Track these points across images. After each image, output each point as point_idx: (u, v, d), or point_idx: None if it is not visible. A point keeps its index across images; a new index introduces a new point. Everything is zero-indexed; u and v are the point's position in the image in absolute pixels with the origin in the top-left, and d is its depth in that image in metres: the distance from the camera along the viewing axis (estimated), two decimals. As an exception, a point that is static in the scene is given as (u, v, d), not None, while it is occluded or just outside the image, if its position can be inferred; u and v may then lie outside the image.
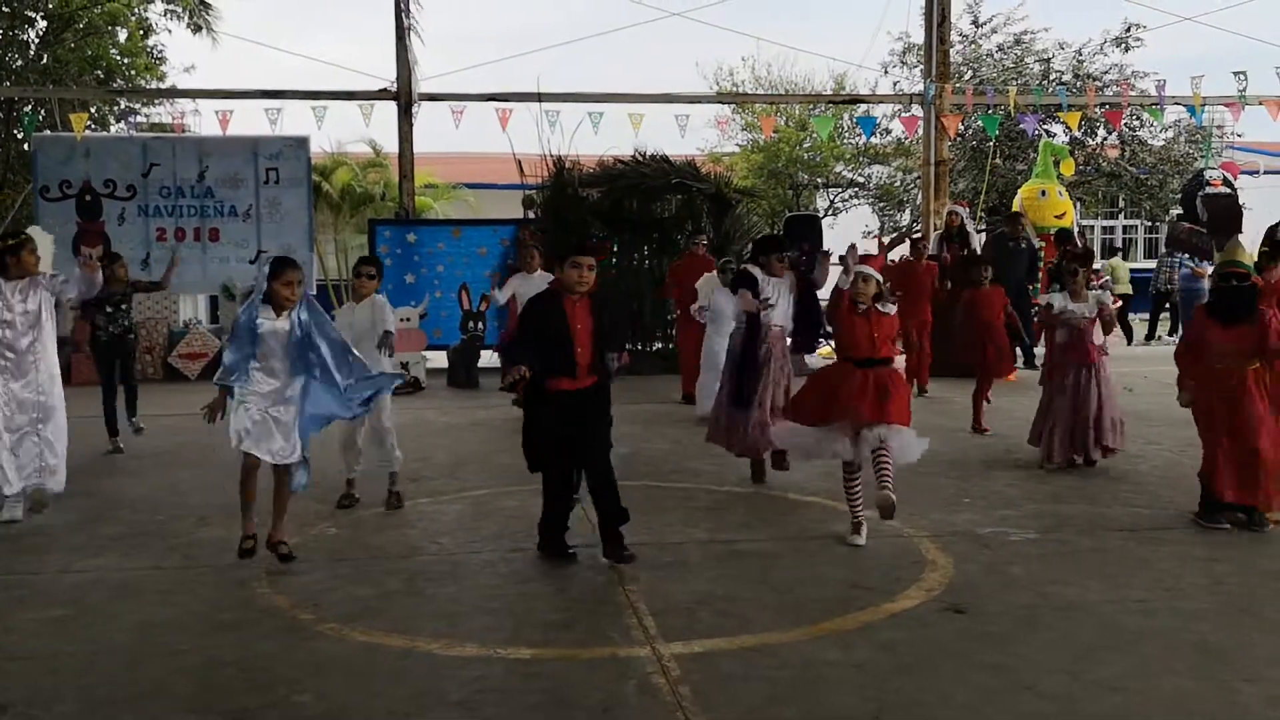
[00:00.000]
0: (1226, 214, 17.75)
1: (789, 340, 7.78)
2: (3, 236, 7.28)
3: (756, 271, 7.74)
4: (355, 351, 6.08)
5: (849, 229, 26.78)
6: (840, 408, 6.18)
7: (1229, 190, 17.97)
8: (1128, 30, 23.83)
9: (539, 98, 16.02)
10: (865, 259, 6.46)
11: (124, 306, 9.87)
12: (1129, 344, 18.64)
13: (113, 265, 9.85)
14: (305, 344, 5.80)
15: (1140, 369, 10.32)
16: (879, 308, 6.31)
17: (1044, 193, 17.57)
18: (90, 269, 7.42)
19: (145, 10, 22.61)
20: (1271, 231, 8.75)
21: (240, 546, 5.87)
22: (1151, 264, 24.00)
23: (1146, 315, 20.47)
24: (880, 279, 6.39)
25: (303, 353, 5.80)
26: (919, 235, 15.63)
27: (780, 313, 7.68)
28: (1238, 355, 6.51)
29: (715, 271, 11.09)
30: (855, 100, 22.43)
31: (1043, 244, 16.89)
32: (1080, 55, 24.17)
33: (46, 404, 7.05)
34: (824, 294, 7.44)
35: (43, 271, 7.23)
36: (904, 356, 11.60)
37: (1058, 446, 8.25)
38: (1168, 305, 19.72)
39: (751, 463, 7.97)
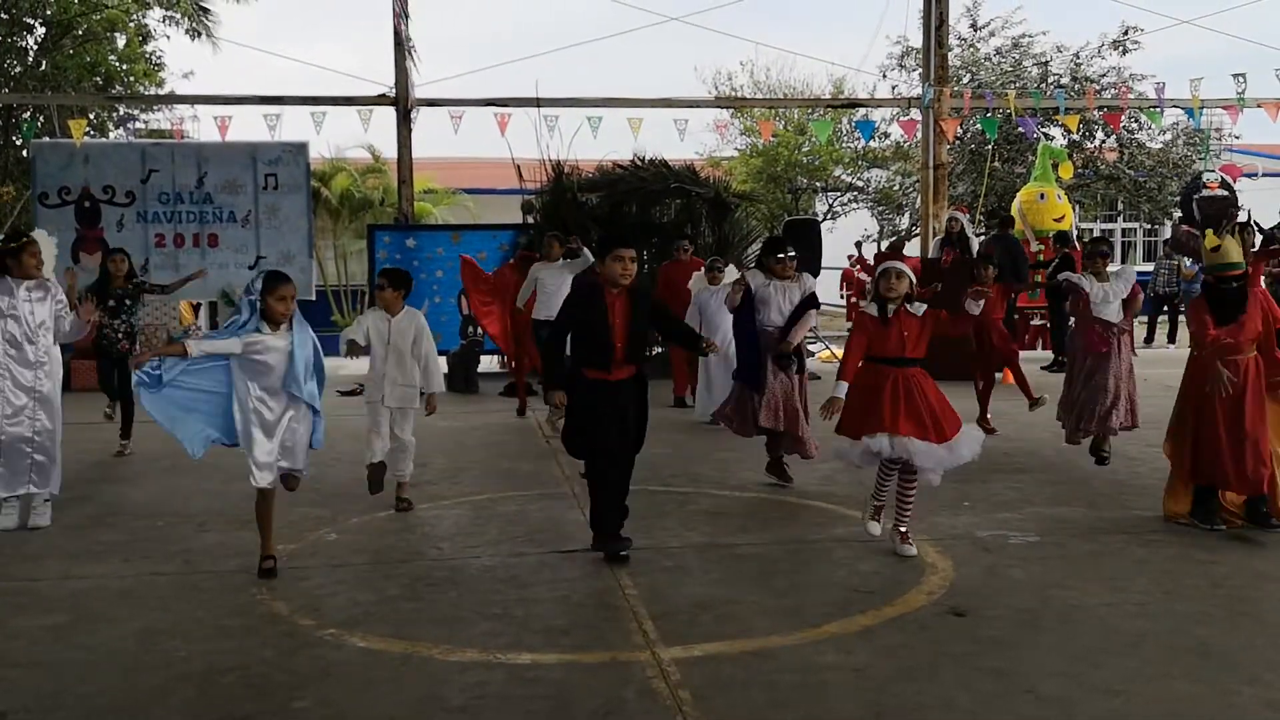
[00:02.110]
0: (1221, 216, 17.76)
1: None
2: (5, 239, 7.29)
3: (756, 277, 7.81)
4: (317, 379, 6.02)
5: (848, 233, 26.87)
6: (882, 420, 6.08)
7: (1225, 193, 17.99)
8: (1125, 33, 23.88)
9: (538, 103, 16.04)
10: (889, 257, 6.47)
11: (128, 302, 9.71)
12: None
13: (108, 260, 9.75)
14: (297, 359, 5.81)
15: (1140, 372, 10.28)
16: (908, 308, 6.24)
17: (1043, 196, 17.61)
18: (86, 315, 7.19)
19: (144, 17, 22.65)
20: (1270, 234, 8.77)
21: (261, 566, 5.84)
22: (1150, 267, 24.01)
23: (1145, 318, 20.48)
24: (913, 278, 6.33)
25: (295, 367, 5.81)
26: (901, 245, 15.67)
27: (777, 313, 7.73)
28: (1236, 348, 6.55)
29: (703, 271, 11.19)
30: (853, 104, 22.47)
31: (1041, 246, 16.92)
32: (1078, 58, 24.21)
33: (47, 403, 7.02)
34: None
35: (50, 279, 7.19)
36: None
37: (1095, 421, 8.35)
38: (1165, 308, 19.73)
39: (769, 460, 8.02)
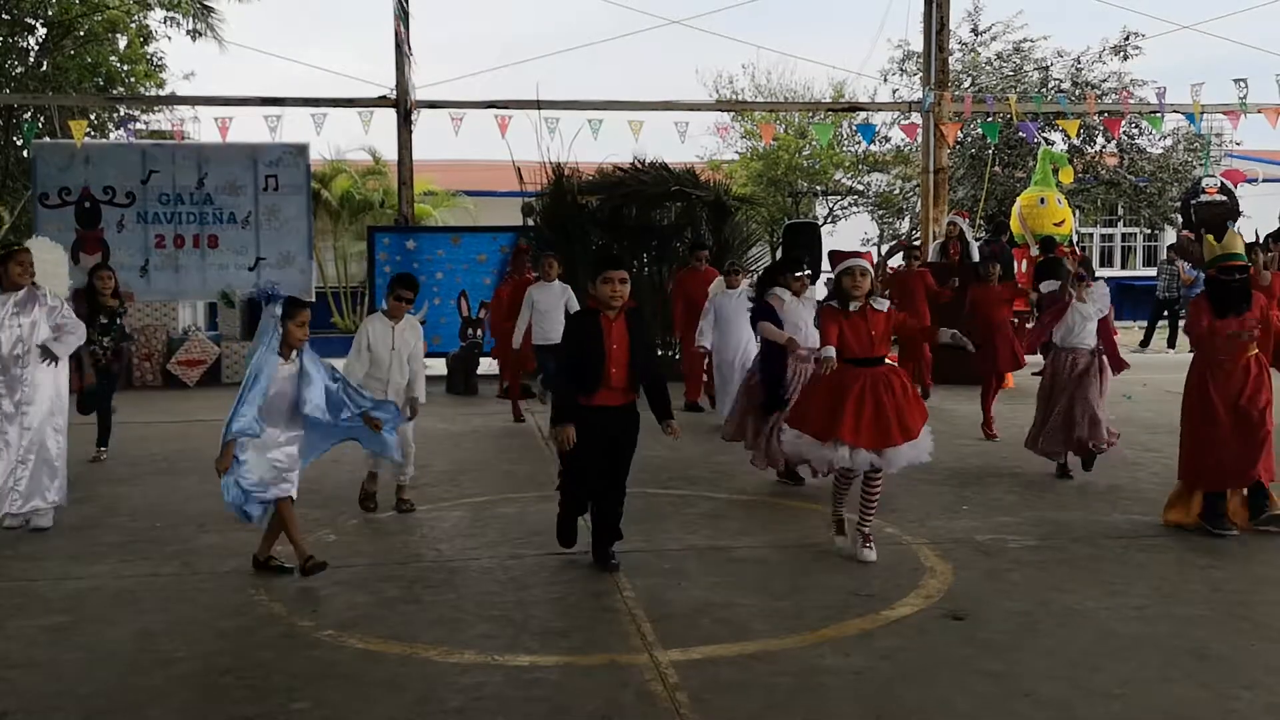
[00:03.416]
0: (1217, 221, 17.87)
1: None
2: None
3: (785, 295, 7.80)
4: (352, 386, 6.18)
5: (848, 237, 26.89)
6: (842, 426, 5.96)
7: (1223, 198, 18.02)
8: (1126, 38, 23.89)
9: (538, 105, 16.04)
10: (855, 254, 6.37)
11: (118, 321, 9.58)
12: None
13: (96, 276, 9.54)
14: (304, 383, 5.84)
15: (1138, 376, 10.34)
16: (873, 304, 6.15)
17: (1043, 200, 17.59)
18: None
19: (145, 18, 22.66)
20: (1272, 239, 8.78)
21: (304, 566, 5.85)
22: (1150, 271, 24.05)
23: (1143, 323, 20.50)
24: (874, 273, 6.26)
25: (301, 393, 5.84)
26: (918, 243, 15.64)
27: (805, 334, 7.71)
28: (1236, 345, 6.53)
29: (721, 276, 11.18)
30: (854, 108, 22.50)
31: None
32: (1079, 63, 24.23)
33: (38, 424, 6.88)
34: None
35: (42, 289, 7.00)
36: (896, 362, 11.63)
37: (1045, 441, 8.24)
38: (1165, 314, 19.75)
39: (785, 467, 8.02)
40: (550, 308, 10.58)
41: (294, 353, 5.80)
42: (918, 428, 6.09)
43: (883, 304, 6.23)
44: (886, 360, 6.27)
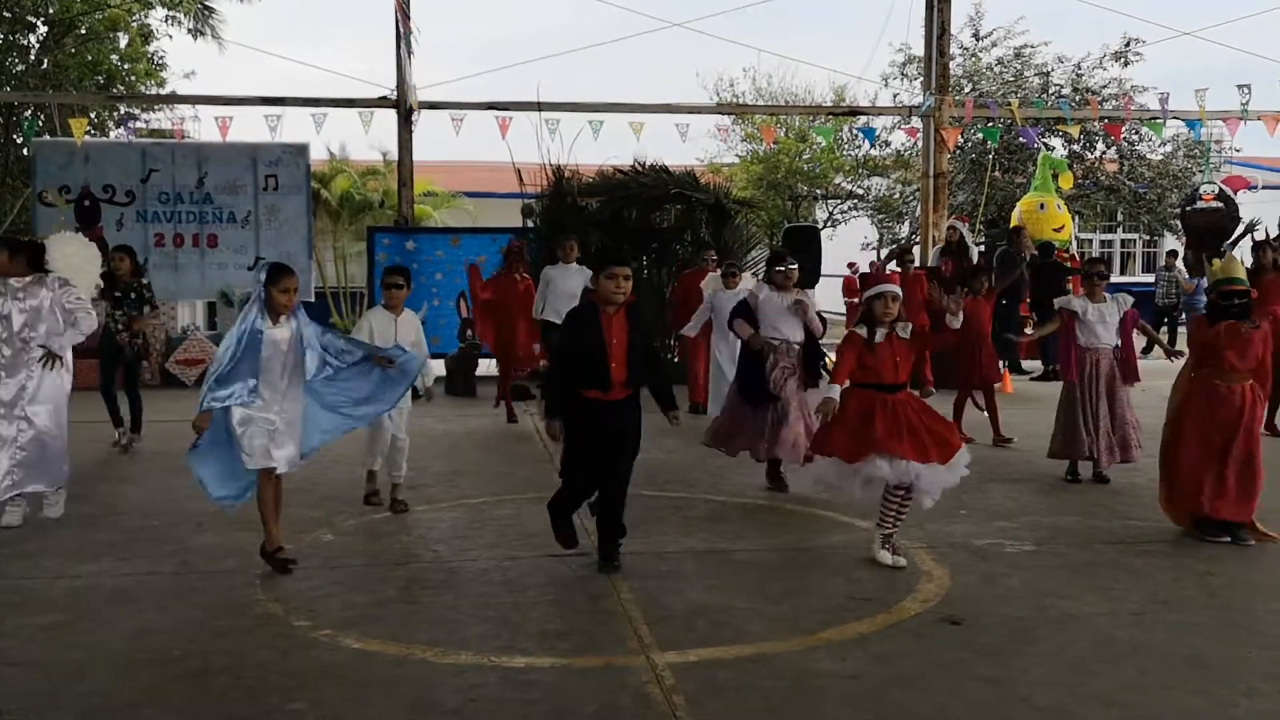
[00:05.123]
0: (1208, 228, 17.93)
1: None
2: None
3: (762, 290, 7.86)
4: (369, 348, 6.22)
5: (848, 241, 26.90)
6: (878, 440, 5.85)
7: (1219, 204, 18.04)
8: (1127, 45, 23.92)
9: (539, 106, 16.04)
10: (881, 278, 6.33)
11: (132, 296, 9.71)
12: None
13: (110, 259, 9.59)
14: (305, 352, 5.82)
15: (1138, 383, 10.30)
16: (898, 331, 6.08)
17: (1042, 206, 17.62)
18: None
19: (146, 16, 22.66)
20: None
21: (280, 560, 5.88)
22: (1149, 278, 24.06)
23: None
24: (901, 297, 6.20)
25: (302, 361, 5.81)
26: (908, 250, 15.65)
27: (789, 328, 7.74)
28: (1238, 370, 6.57)
29: (718, 273, 11.18)
30: (854, 112, 22.54)
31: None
32: (1079, 69, 24.25)
33: (34, 410, 6.87)
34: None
35: (56, 276, 7.02)
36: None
37: (1103, 453, 8.20)
38: (1165, 320, 19.78)
39: (768, 471, 8.00)
40: (574, 289, 10.58)
41: (282, 318, 5.75)
42: (955, 448, 6.02)
43: (907, 329, 6.15)
44: (905, 387, 6.18)
